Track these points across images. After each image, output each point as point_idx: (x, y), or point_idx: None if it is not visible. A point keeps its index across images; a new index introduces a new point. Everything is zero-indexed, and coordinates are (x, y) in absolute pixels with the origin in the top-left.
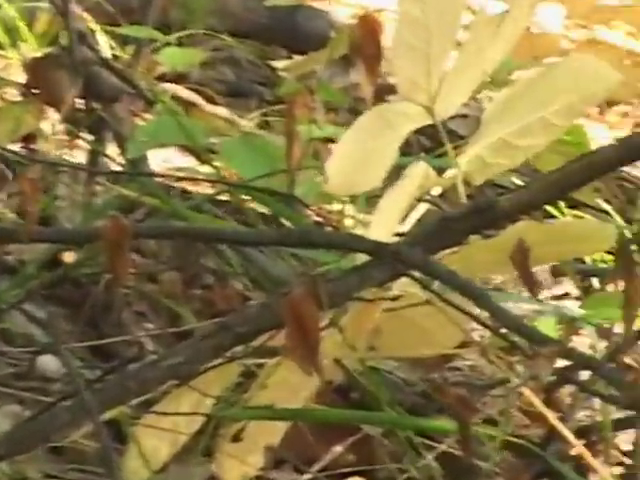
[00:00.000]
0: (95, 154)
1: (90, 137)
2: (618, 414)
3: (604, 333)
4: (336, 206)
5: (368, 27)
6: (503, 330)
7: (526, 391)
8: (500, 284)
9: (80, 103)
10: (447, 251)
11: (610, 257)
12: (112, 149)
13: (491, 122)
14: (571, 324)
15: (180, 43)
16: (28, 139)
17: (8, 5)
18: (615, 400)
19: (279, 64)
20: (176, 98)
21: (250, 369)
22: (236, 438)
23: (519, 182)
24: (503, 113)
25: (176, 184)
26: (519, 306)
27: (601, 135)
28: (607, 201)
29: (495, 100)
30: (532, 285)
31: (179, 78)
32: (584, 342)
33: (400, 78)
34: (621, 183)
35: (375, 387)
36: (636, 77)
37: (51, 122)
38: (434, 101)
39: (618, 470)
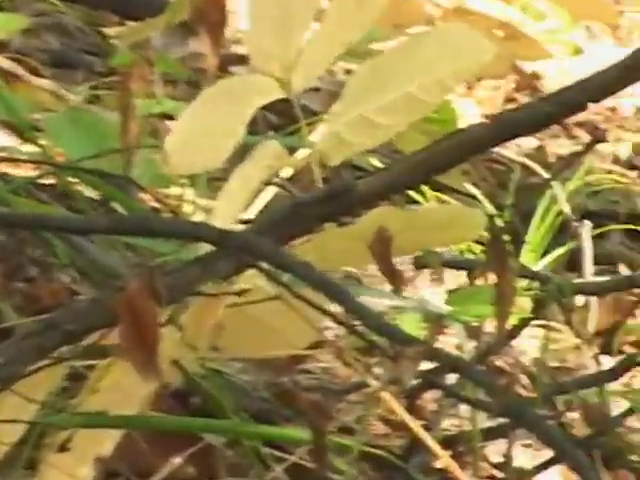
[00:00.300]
0: None
1: None
2: (488, 422)
3: (473, 332)
4: (174, 190)
5: None
6: (361, 328)
7: (386, 396)
8: (359, 276)
9: None
10: (299, 240)
11: (479, 247)
12: None
13: (351, 97)
14: (437, 322)
15: None
16: None
17: None
18: (485, 406)
19: (111, 31)
20: None
21: (79, 371)
22: (63, 448)
23: (379, 164)
24: (364, 87)
25: None
26: (379, 301)
27: (470, 112)
28: (475, 185)
29: (356, 73)
30: (393, 278)
31: None
32: (451, 342)
33: (253, 48)
34: (491, 165)
35: (217, 392)
36: (508, 49)
37: None
38: (290, 73)
39: None
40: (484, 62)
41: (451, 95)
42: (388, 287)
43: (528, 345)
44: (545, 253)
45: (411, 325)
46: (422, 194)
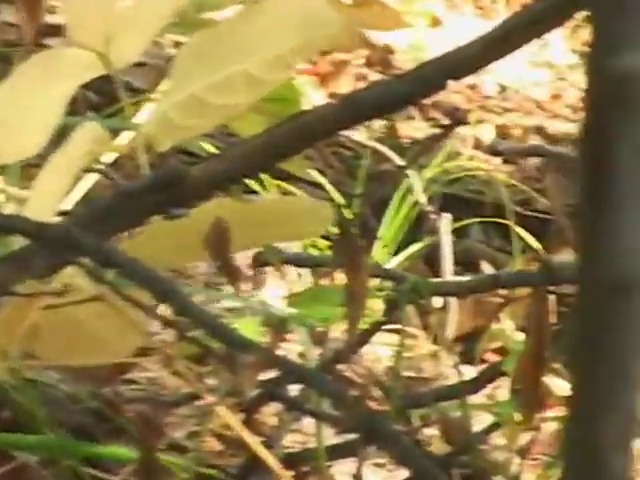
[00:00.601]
0: None
1: None
2: (335, 439)
3: (318, 337)
4: None
5: None
6: (193, 332)
7: (221, 410)
8: (192, 275)
9: None
10: (124, 234)
11: (325, 242)
12: None
13: (181, 73)
14: (278, 326)
15: None
16: None
17: None
18: (332, 421)
19: None
20: None
21: None
22: None
23: (212, 149)
24: (196, 63)
25: None
26: (215, 302)
27: (314, 90)
28: (321, 172)
29: (185, 46)
30: (230, 276)
31: None
32: (294, 348)
33: (70, 17)
34: (338, 150)
35: (31, 403)
36: (358, 18)
37: None
38: (110, 46)
39: None
40: (329, 36)
41: (293, 71)
42: (225, 287)
43: (380, 352)
44: (399, 249)
45: (250, 329)
46: (261, 183)
